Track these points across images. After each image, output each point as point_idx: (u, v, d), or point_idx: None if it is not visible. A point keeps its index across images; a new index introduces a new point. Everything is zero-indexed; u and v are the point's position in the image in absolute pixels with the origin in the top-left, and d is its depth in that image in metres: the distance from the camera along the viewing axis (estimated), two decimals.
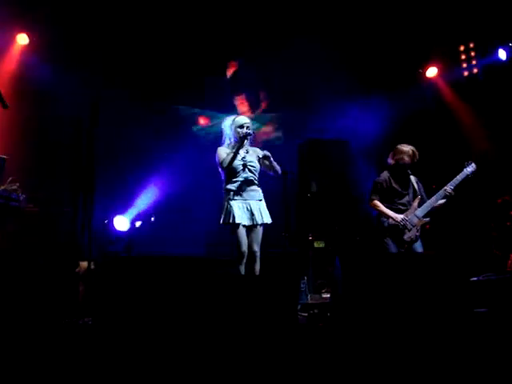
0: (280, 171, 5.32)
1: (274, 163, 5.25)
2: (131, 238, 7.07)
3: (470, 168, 5.45)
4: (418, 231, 5.35)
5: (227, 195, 5.13)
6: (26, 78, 6.60)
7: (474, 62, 7.72)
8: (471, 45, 7.72)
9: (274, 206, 5.40)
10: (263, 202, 5.23)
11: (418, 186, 5.58)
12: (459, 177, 5.40)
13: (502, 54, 7.30)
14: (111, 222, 6.97)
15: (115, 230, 7.02)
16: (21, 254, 5.11)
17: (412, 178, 5.59)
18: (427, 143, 6.62)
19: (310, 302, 6.07)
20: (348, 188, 6.88)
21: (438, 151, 7.25)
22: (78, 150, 4.58)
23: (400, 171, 5.52)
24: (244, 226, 5.06)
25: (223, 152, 5.20)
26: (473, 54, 7.71)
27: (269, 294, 3.68)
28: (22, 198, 5.11)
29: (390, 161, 5.57)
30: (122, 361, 3.06)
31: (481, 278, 5.31)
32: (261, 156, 5.21)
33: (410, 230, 5.31)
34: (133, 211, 7.31)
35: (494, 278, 5.28)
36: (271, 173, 5.32)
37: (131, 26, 6.87)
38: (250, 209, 5.10)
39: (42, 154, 6.48)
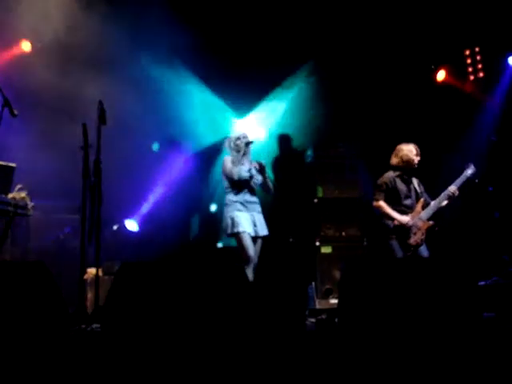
0: (272, 191, 5.35)
1: (268, 180, 5.29)
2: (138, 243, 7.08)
3: (470, 170, 5.37)
4: (423, 234, 5.29)
5: (232, 206, 5.17)
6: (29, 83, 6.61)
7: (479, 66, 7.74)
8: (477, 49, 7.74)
9: (281, 212, 5.41)
10: (262, 215, 5.31)
11: (420, 188, 5.53)
12: (460, 179, 5.35)
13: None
14: (121, 226, 6.98)
15: (124, 235, 7.04)
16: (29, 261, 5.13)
17: (414, 180, 5.55)
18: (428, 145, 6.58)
19: (317, 307, 6.06)
20: (355, 192, 6.85)
21: (438, 153, 7.20)
22: (85, 156, 4.58)
23: (405, 171, 5.46)
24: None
25: (230, 162, 5.22)
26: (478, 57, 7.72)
27: (276, 299, 3.68)
28: (30, 205, 5.13)
29: (395, 160, 5.51)
30: (131, 368, 3.07)
31: (489, 282, 5.30)
32: (257, 167, 5.23)
33: (415, 234, 5.28)
34: (140, 214, 7.32)
35: (501, 281, 5.26)
36: (264, 190, 5.36)
37: None
38: (254, 220, 5.18)
39: (50, 160, 6.49)
